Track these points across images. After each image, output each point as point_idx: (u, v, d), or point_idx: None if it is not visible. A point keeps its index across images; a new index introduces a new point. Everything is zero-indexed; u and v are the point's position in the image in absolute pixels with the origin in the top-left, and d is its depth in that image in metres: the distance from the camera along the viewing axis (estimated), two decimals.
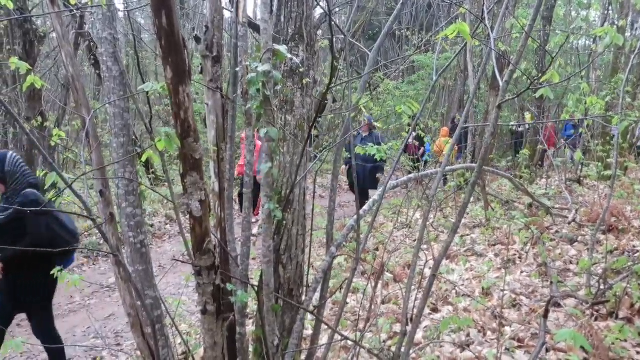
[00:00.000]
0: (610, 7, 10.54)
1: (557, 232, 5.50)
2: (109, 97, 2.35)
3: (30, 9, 9.14)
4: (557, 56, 2.92)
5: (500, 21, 2.61)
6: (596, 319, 3.37)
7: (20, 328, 4.65)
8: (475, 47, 9.53)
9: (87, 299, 5.33)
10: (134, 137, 2.44)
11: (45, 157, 1.80)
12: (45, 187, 3.24)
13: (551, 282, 4.01)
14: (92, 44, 9.78)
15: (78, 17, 9.24)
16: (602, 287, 3.54)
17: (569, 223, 5.73)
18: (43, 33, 9.00)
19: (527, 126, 11.59)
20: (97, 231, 2.43)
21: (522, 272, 4.58)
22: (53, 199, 2.21)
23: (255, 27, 9.85)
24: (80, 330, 4.62)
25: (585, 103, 4.94)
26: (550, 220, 5.90)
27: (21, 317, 4.87)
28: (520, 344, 3.26)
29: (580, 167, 8.81)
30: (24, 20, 8.30)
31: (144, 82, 2.16)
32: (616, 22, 8.75)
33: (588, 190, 7.98)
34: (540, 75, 2.33)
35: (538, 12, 2.25)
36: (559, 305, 3.63)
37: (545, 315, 2.99)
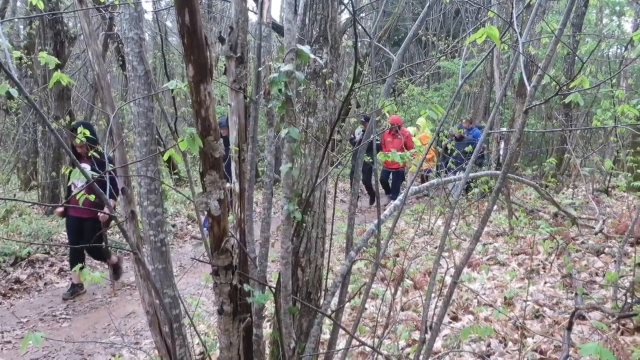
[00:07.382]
0: None
1: (583, 242, 5.38)
2: (134, 96, 2.37)
3: (61, 10, 9.35)
4: (586, 61, 2.84)
5: (529, 26, 2.55)
6: (622, 333, 3.27)
7: (43, 323, 4.73)
8: (502, 54, 9.41)
9: (108, 296, 5.39)
10: (157, 137, 2.46)
11: (70, 155, 1.82)
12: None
13: (576, 294, 3.91)
14: (120, 45, 9.95)
15: (107, 19, 9.43)
16: (629, 300, 3.45)
17: (596, 234, 5.59)
18: (73, 34, 9.20)
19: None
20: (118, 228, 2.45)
21: (545, 282, 4.48)
22: (76, 196, 2.24)
23: (279, 30, 9.90)
24: (101, 327, 4.67)
25: (616, 111, 4.81)
26: (576, 230, 5.76)
27: (45, 312, 4.95)
28: (542, 356, 3.18)
29: (608, 177, 8.61)
30: (55, 21, 8.50)
31: None
32: None
33: (616, 201, 7.79)
34: (569, 81, 2.27)
35: (568, 16, 2.20)
36: (583, 318, 3.54)
37: (569, 328, 2.91)
